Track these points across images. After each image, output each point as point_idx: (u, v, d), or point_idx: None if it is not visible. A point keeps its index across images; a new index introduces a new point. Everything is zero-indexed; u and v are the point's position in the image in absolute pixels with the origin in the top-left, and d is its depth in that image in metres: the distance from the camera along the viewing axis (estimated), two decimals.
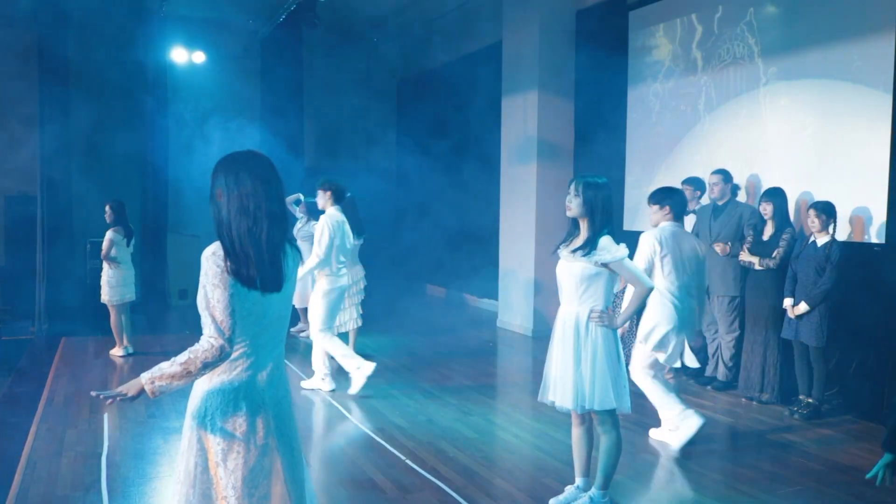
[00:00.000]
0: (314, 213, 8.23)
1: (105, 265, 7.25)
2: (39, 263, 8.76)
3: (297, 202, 8.38)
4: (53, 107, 8.96)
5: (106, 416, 5.32)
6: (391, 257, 11.71)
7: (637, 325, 6.95)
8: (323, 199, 6.13)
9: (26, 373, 6.83)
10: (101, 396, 2.16)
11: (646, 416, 5.57)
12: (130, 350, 7.37)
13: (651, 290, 3.63)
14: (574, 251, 3.58)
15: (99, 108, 10.37)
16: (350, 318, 7.20)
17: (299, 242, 8.20)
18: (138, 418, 5.33)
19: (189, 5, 10.38)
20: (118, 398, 2.15)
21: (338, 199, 6.09)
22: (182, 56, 10.73)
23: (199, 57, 10.88)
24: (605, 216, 3.57)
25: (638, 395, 5.98)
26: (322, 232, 5.90)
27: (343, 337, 7.48)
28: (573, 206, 3.59)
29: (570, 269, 3.60)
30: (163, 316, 9.47)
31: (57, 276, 8.85)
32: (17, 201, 10.24)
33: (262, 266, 2.18)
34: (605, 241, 3.54)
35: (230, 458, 2.23)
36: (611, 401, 3.54)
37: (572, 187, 3.61)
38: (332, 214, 6.02)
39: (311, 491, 2.47)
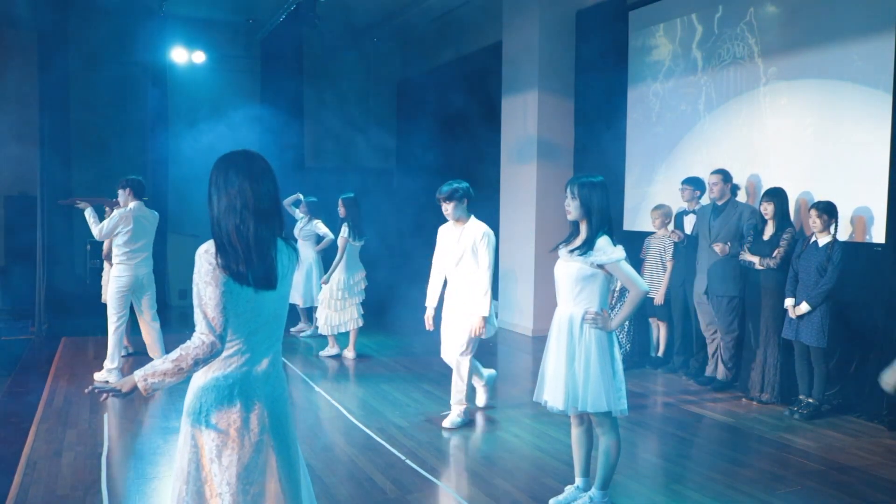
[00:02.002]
0: (315, 212, 8.24)
1: (106, 265, 7.26)
2: (39, 263, 8.75)
3: (297, 203, 8.38)
4: (53, 106, 8.95)
5: (106, 416, 5.32)
6: (391, 258, 11.70)
7: (632, 327, 6.97)
8: (123, 196, 6.44)
9: (26, 373, 6.83)
10: (96, 391, 2.21)
11: (645, 416, 5.57)
12: (130, 350, 7.36)
13: (646, 293, 3.60)
14: (572, 251, 3.58)
15: (99, 108, 10.37)
16: (351, 318, 7.22)
17: (301, 242, 8.21)
18: (138, 418, 5.34)
19: (189, 5, 10.37)
20: (111, 393, 2.20)
21: (138, 195, 6.48)
22: (182, 56, 10.73)
23: (199, 57, 10.87)
24: (603, 215, 3.55)
25: (636, 395, 6.00)
26: (109, 218, 6.39)
27: (344, 337, 7.51)
28: (572, 209, 3.58)
29: (567, 269, 3.60)
30: (162, 316, 9.42)
31: (57, 277, 8.85)
32: (17, 201, 10.24)
33: (251, 263, 2.20)
34: (603, 241, 3.53)
35: (224, 454, 2.24)
36: (603, 403, 3.51)
37: (568, 190, 3.60)
38: (131, 208, 6.37)
39: (310, 489, 2.47)
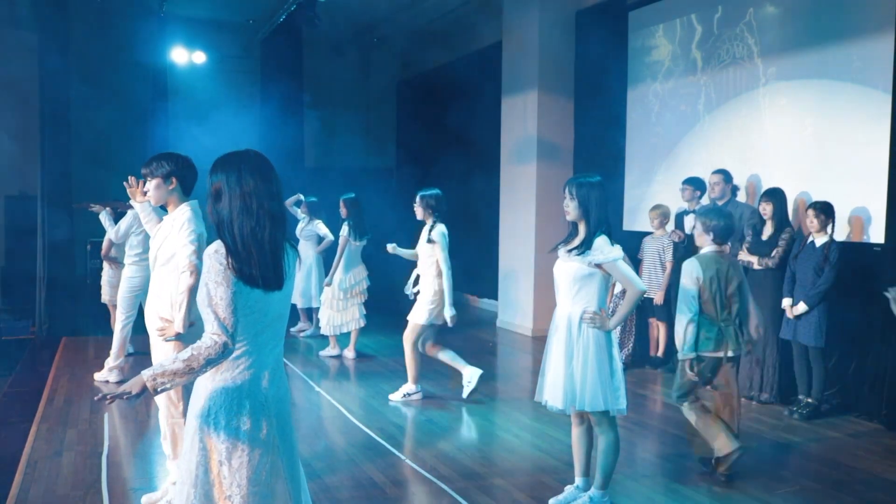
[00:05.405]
0: (315, 212, 8.24)
1: (105, 265, 7.26)
2: (39, 263, 8.75)
3: (298, 203, 8.37)
4: (53, 107, 8.95)
5: (106, 416, 5.33)
6: (391, 257, 11.72)
7: (631, 326, 6.97)
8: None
9: (26, 373, 6.84)
10: (109, 397, 2.14)
11: (645, 416, 5.58)
12: (131, 350, 7.35)
13: (643, 292, 3.61)
14: (570, 251, 3.59)
15: (99, 108, 10.37)
16: (353, 318, 7.22)
17: (302, 242, 8.22)
18: (138, 418, 5.34)
19: (189, 5, 10.37)
20: (124, 397, 2.14)
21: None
22: (182, 56, 10.73)
23: (199, 57, 10.88)
24: (601, 214, 3.56)
25: (635, 395, 6.00)
26: (124, 219, 6.54)
27: (345, 337, 7.51)
28: (570, 209, 3.59)
29: (566, 268, 3.61)
30: None
31: (57, 276, 8.84)
32: (17, 201, 10.24)
33: (265, 265, 2.19)
34: (600, 241, 3.53)
35: (235, 456, 2.23)
36: (600, 402, 3.53)
37: (566, 191, 3.61)
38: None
39: (306, 489, 2.48)
